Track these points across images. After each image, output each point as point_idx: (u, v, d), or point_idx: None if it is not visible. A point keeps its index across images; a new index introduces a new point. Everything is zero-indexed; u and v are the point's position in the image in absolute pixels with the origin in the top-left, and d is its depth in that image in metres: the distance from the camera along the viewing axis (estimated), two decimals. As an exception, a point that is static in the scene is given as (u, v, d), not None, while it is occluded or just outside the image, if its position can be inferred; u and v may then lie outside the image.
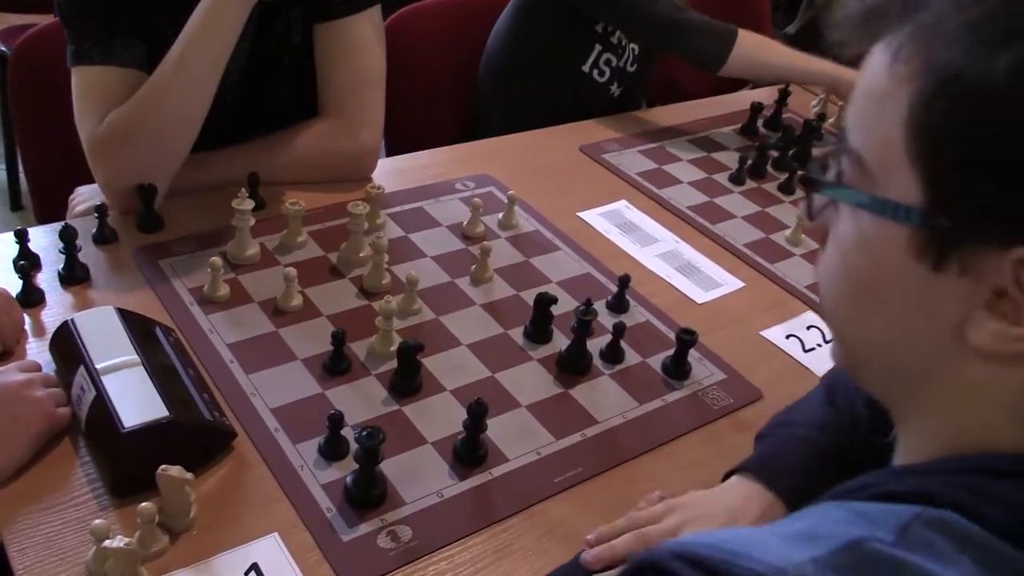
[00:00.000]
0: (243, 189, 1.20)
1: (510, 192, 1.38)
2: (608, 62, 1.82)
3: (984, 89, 0.47)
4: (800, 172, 1.60)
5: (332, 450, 0.94)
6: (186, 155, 1.24)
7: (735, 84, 2.17)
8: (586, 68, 1.82)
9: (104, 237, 1.21)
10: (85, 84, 1.22)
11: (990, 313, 0.49)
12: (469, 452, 0.96)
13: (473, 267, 1.25)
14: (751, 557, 0.45)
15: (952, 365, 0.52)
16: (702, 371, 1.15)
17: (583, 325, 1.10)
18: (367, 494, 0.90)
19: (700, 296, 1.30)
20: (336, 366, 1.05)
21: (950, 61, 0.48)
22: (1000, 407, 0.52)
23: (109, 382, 0.90)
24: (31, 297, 1.09)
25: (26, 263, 1.09)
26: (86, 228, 1.21)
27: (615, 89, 1.87)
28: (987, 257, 0.48)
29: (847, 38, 0.54)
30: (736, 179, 1.62)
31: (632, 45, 1.83)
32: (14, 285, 1.09)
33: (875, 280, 0.54)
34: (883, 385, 0.59)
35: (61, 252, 1.13)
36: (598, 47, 1.80)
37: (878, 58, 0.53)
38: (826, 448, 0.85)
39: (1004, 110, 0.46)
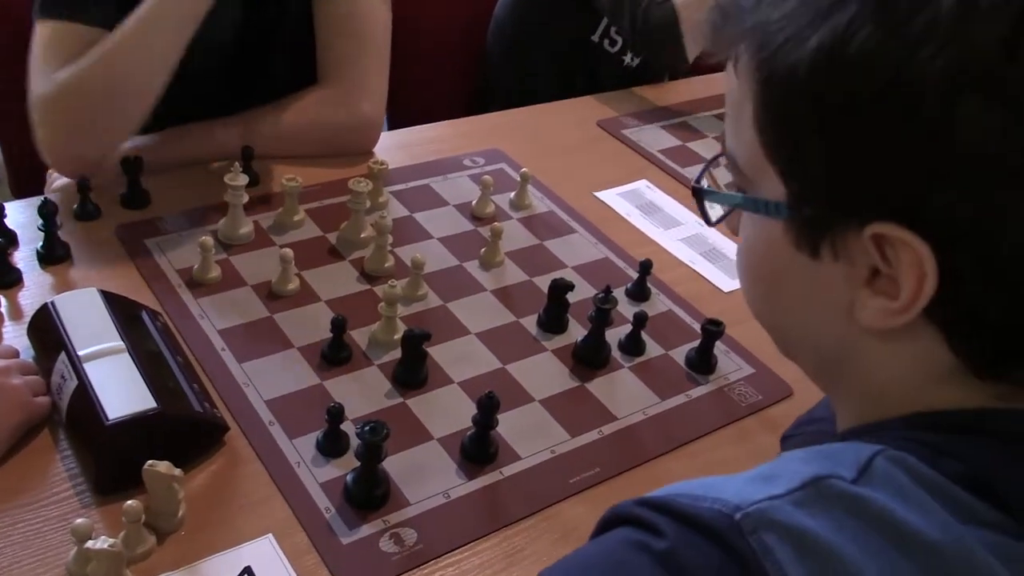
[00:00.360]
0: (236, 163, 1.20)
1: (523, 170, 1.37)
2: (620, 31, 1.80)
3: (794, 80, 0.52)
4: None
5: (331, 446, 0.94)
6: (139, 124, 1.20)
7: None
8: (596, 38, 1.80)
9: (86, 213, 1.20)
10: (46, 38, 1.19)
11: (872, 292, 0.54)
12: (478, 449, 0.96)
13: (483, 250, 1.25)
14: (712, 498, 0.49)
15: (859, 346, 0.58)
16: (729, 365, 1.14)
17: (601, 314, 1.09)
18: (369, 494, 0.89)
19: (727, 284, 1.29)
20: (336, 355, 1.04)
21: (769, 60, 0.54)
22: (917, 375, 0.56)
23: (92, 370, 0.89)
24: (7, 277, 1.08)
25: (2, 240, 1.08)
26: (67, 203, 1.21)
27: (629, 60, 1.85)
28: (851, 238, 0.53)
29: (711, 48, 0.60)
30: (765, 158, 1.61)
31: None
32: (-11, 264, 1.08)
33: (771, 275, 0.61)
34: (814, 371, 0.65)
35: (40, 229, 1.12)
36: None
37: (729, 67, 0.59)
38: None
39: (813, 95, 0.51)
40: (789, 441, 0.93)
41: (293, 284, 1.13)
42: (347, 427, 0.96)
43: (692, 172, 1.54)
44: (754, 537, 0.47)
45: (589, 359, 1.10)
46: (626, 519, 0.52)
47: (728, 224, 0.67)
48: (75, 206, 1.20)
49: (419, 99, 1.87)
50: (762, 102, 0.55)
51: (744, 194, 0.60)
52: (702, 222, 1.38)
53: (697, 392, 1.10)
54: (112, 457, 0.86)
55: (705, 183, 0.67)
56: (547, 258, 1.28)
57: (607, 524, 0.54)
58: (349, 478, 0.90)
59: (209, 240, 1.11)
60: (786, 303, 0.61)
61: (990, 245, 0.50)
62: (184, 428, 0.90)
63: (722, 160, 0.65)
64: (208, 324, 1.07)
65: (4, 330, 1.02)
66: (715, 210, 0.67)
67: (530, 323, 1.15)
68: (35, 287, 1.09)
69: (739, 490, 0.50)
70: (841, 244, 0.54)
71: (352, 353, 1.05)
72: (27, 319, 1.00)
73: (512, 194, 1.38)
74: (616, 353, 1.13)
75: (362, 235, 1.23)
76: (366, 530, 0.87)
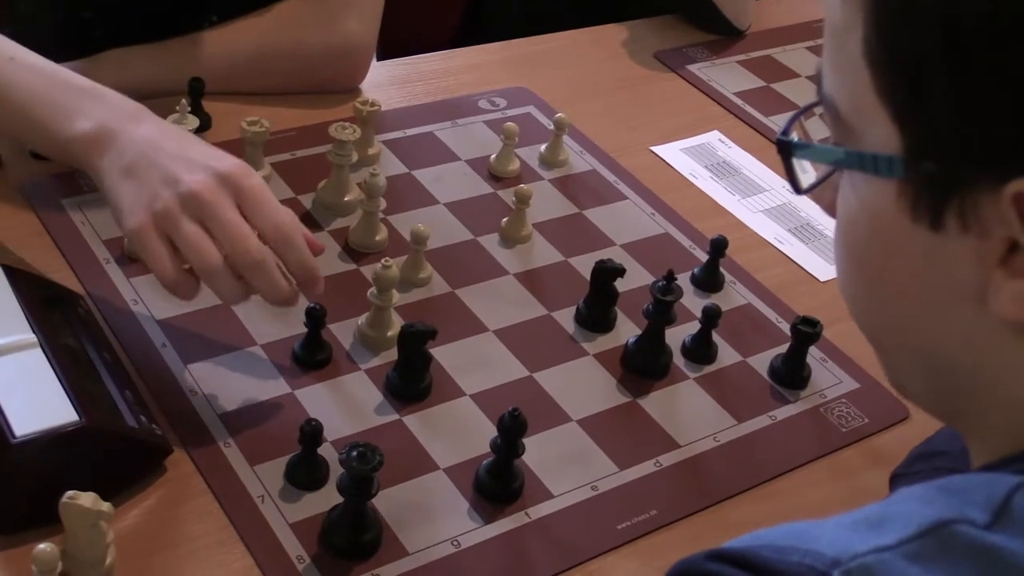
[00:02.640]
0: (182, 101, 1.19)
1: (557, 115, 1.37)
2: None
3: None
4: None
5: (306, 476, 0.94)
6: None
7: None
8: None
9: (-17, 163, 1.21)
10: None
11: (1008, 272, 0.54)
12: (498, 484, 0.96)
13: (505, 220, 1.25)
14: (802, 550, 0.50)
15: (991, 348, 0.58)
16: (826, 378, 1.15)
17: (661, 308, 1.09)
18: (354, 539, 0.89)
19: (825, 271, 1.29)
20: (311, 356, 1.05)
21: None
22: None
23: (-6, 371, 0.90)
24: None
25: None
26: (-42, 150, 1.21)
27: None
28: (985, 201, 0.54)
29: None
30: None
31: None
32: None
33: (878, 253, 0.61)
34: (931, 393, 0.66)
35: (-76, 183, 1.13)
36: None
37: None
38: None
39: (944, 8, 0.52)
40: (900, 480, 0.93)
41: (256, 261, 1.14)
42: (327, 451, 0.96)
43: (779, 122, 1.53)
44: None
45: (643, 367, 1.11)
46: (692, 574, 0.53)
47: (820, 196, 0.67)
48: (-33, 153, 1.21)
49: (412, 18, 1.87)
50: (875, 24, 0.56)
51: (846, 148, 0.61)
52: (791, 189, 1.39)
53: (784, 412, 1.10)
54: (19, 486, 0.86)
55: (794, 136, 0.67)
56: (588, 232, 1.28)
57: None
58: (329, 518, 0.90)
59: (147, 202, 1.11)
60: (899, 292, 0.62)
61: None
62: (114, 449, 0.90)
63: (817, 109, 0.65)
64: (144, 312, 1.07)
65: None
66: (807, 174, 0.67)
67: (566, 318, 1.16)
68: (-81, 260, 1.09)
69: (836, 539, 0.51)
70: (972, 209, 0.54)
71: (332, 354, 1.06)
72: (-91, 302, 1.01)
73: (543, 147, 1.38)
74: (679, 360, 1.13)
75: (346, 198, 1.23)
76: (350, 587, 0.88)
